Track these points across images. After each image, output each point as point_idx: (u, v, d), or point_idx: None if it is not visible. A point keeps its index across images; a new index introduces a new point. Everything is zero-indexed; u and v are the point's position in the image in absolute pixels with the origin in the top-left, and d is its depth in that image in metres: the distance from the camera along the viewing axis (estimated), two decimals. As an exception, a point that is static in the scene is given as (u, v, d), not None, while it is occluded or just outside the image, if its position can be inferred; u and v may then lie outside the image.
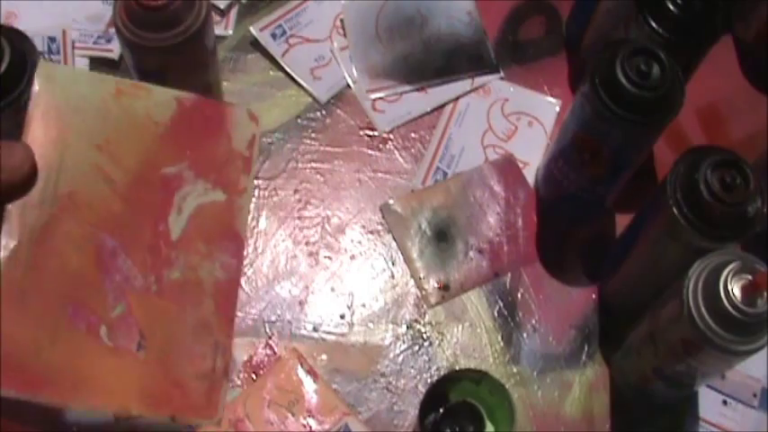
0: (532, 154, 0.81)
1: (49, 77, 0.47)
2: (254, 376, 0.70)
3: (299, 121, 0.81)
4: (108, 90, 0.48)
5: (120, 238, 0.47)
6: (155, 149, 0.48)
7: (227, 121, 0.51)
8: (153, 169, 0.48)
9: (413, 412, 0.70)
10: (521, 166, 0.81)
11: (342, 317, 0.74)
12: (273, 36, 0.84)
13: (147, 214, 0.48)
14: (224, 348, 0.48)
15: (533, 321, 0.75)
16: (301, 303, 0.74)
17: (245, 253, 0.53)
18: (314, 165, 0.80)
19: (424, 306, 0.75)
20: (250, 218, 0.76)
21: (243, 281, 0.74)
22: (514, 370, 0.73)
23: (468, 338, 0.74)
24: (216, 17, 0.84)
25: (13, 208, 0.44)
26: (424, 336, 0.74)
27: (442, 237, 0.77)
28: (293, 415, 0.68)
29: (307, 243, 0.76)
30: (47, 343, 0.44)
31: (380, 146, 0.81)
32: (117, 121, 0.48)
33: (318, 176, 0.79)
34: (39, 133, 0.46)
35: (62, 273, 0.45)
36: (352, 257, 0.76)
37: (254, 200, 0.77)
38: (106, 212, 0.47)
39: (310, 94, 0.82)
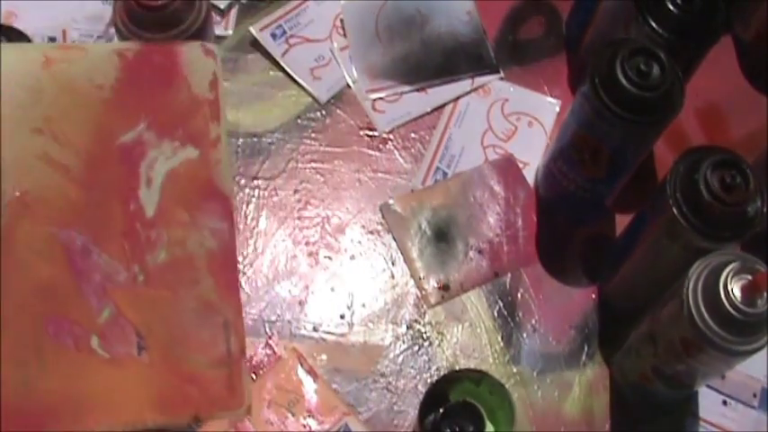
0: (532, 154, 0.81)
1: None
2: (253, 376, 0.70)
3: (299, 121, 0.81)
4: (35, 61, 0.41)
5: (88, 232, 0.40)
6: (105, 118, 0.41)
7: (181, 65, 0.44)
8: (107, 141, 0.41)
9: (413, 412, 0.70)
10: (521, 166, 0.81)
11: (342, 317, 0.74)
12: (273, 36, 0.84)
13: (113, 196, 0.41)
14: (235, 326, 0.42)
15: (533, 321, 0.75)
16: (301, 303, 0.74)
17: (235, 215, 0.45)
18: (314, 165, 0.80)
19: (424, 306, 0.75)
20: (250, 218, 0.76)
21: (243, 281, 0.74)
22: (514, 370, 0.73)
23: (467, 338, 0.74)
24: (216, 17, 0.84)
25: None
26: (424, 336, 0.74)
27: (442, 237, 0.77)
28: (293, 415, 0.68)
29: (307, 243, 0.76)
30: (34, 372, 0.38)
31: (380, 146, 0.81)
32: (53, 95, 0.40)
33: (318, 176, 0.79)
34: None
35: (31, 288, 0.39)
36: (352, 257, 0.76)
37: (253, 200, 0.77)
38: (65, 205, 0.40)
39: (310, 94, 0.82)
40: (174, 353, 0.41)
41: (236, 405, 0.42)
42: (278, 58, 0.83)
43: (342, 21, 0.85)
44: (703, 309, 0.58)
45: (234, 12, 0.86)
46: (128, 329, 0.41)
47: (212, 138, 0.44)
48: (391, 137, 0.81)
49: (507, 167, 0.80)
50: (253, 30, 0.84)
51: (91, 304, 0.40)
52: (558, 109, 0.84)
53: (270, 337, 0.72)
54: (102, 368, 0.40)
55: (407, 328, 0.74)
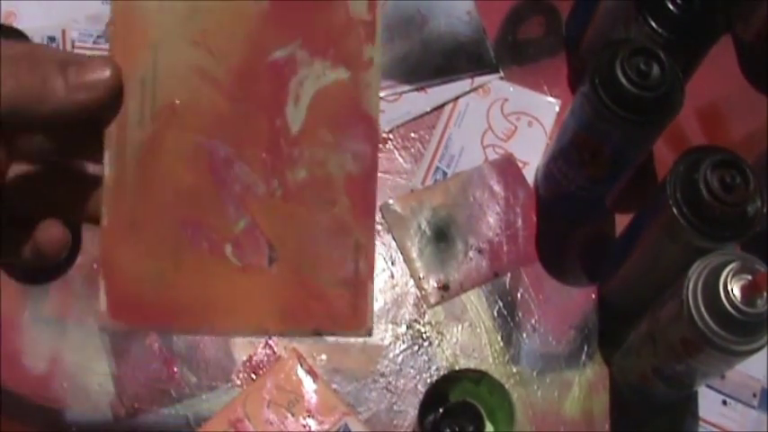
0: (532, 154, 0.81)
1: None
2: (253, 376, 0.70)
3: (298, 120, 0.81)
4: None
5: (233, 144, 0.41)
6: (259, 33, 0.41)
7: None
8: (260, 57, 0.41)
9: (412, 412, 0.70)
10: (520, 165, 0.81)
11: (341, 317, 0.74)
12: (273, 36, 0.84)
13: (260, 111, 0.41)
14: (366, 249, 0.42)
15: (533, 321, 0.75)
16: (301, 303, 0.74)
17: (379, 138, 0.44)
18: (314, 164, 0.80)
19: (424, 306, 0.75)
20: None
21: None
22: (514, 370, 0.73)
23: (467, 338, 0.74)
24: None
25: (109, 132, 0.40)
26: (424, 336, 0.74)
27: (442, 236, 0.77)
28: (293, 415, 0.68)
29: (306, 243, 0.76)
30: (171, 271, 0.40)
31: (380, 146, 0.81)
32: (210, 7, 0.41)
33: (318, 176, 0.79)
34: (122, 43, 0.40)
35: (175, 193, 0.41)
36: (352, 257, 0.76)
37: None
38: (214, 117, 0.41)
39: (310, 94, 0.82)
40: (302, 268, 0.42)
41: (357, 326, 0.42)
42: (278, 58, 0.83)
43: (342, 20, 0.85)
44: (703, 309, 0.58)
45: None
46: (261, 241, 0.41)
47: (365, 59, 0.43)
48: (391, 136, 0.81)
49: (507, 167, 0.80)
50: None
51: (228, 213, 0.41)
52: (557, 109, 0.84)
53: (270, 337, 0.72)
54: (232, 275, 0.41)
55: (407, 327, 0.74)
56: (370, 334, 0.43)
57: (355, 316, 0.42)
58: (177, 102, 0.40)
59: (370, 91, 0.43)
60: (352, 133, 0.43)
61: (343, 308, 0.42)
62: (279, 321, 0.41)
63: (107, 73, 0.38)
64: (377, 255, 0.76)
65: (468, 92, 0.84)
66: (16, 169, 0.40)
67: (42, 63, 0.37)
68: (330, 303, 0.42)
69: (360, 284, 0.42)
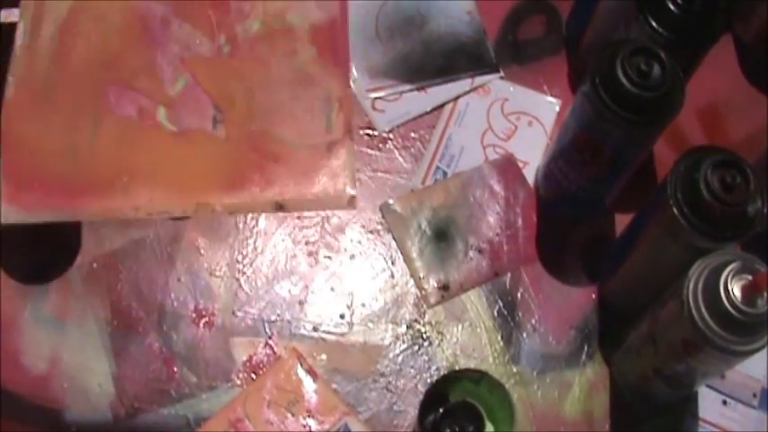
0: (532, 154, 0.81)
1: None
2: (253, 376, 0.70)
3: (298, 120, 0.81)
4: None
5: (171, 3, 0.36)
6: None
7: None
8: None
9: (413, 412, 0.70)
10: (520, 165, 0.81)
11: (341, 317, 0.74)
12: (273, 35, 0.84)
13: None
14: (340, 102, 0.35)
15: (533, 321, 0.75)
16: (301, 303, 0.74)
17: None
18: (314, 164, 0.80)
19: (424, 306, 0.75)
20: (250, 218, 0.76)
21: (242, 280, 0.74)
22: (514, 370, 0.73)
23: (467, 338, 0.74)
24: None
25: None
26: (424, 336, 0.74)
27: (442, 236, 0.77)
28: (293, 415, 0.68)
29: (306, 243, 0.76)
30: (86, 143, 0.35)
31: (380, 145, 0.81)
32: None
33: (318, 176, 0.79)
34: None
35: (98, 55, 0.35)
36: (352, 257, 0.76)
37: (253, 199, 0.77)
38: None
39: (310, 94, 0.82)
40: (257, 128, 0.36)
41: (333, 191, 0.35)
42: (278, 58, 0.83)
43: (342, 20, 0.85)
44: (703, 309, 0.58)
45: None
46: (203, 102, 0.36)
47: None
48: (391, 136, 0.81)
49: (507, 167, 0.80)
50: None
51: (163, 76, 0.36)
52: (557, 108, 0.84)
53: (270, 337, 0.72)
54: (166, 141, 0.35)
55: (407, 327, 0.74)
56: (353, 205, 0.36)
57: (331, 179, 0.35)
58: None
59: None
60: None
61: (314, 170, 0.35)
62: (225, 193, 0.35)
63: None
64: (376, 255, 0.76)
65: (469, 91, 0.84)
66: None
67: None
68: (295, 166, 0.35)
69: (334, 142, 0.35)
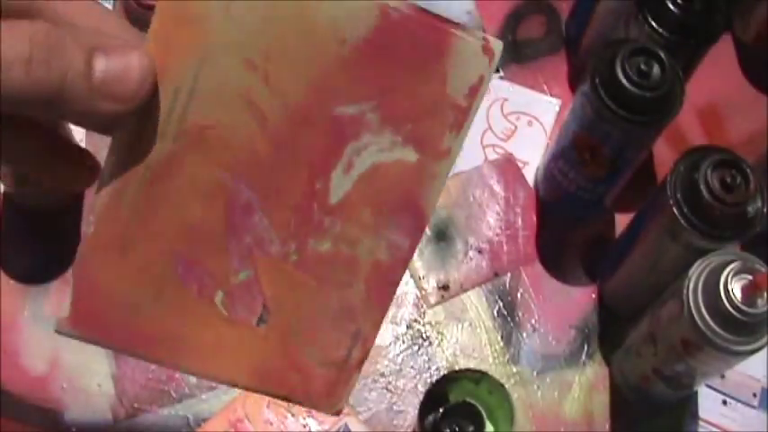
0: (532, 154, 0.81)
1: None
2: (253, 376, 0.70)
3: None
4: None
5: (259, 192, 0.36)
6: (331, 79, 0.34)
7: (448, 53, 0.35)
8: (323, 105, 0.35)
9: (412, 412, 0.70)
10: (520, 165, 0.81)
11: (341, 317, 0.74)
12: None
13: (302, 166, 0.35)
14: (365, 338, 0.38)
15: (533, 321, 0.75)
16: (301, 303, 0.74)
17: (421, 236, 0.40)
18: (313, 164, 0.80)
19: (424, 306, 0.74)
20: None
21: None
22: (514, 370, 0.73)
23: (467, 338, 0.74)
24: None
25: (123, 137, 0.34)
26: (424, 335, 0.74)
27: (442, 236, 0.77)
28: (293, 415, 0.68)
29: (306, 243, 0.76)
30: (148, 301, 0.36)
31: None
32: (285, 27, 0.33)
33: (318, 176, 0.79)
34: (164, 40, 0.33)
35: (177, 223, 0.36)
36: (352, 257, 0.76)
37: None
38: (247, 157, 0.35)
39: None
40: (292, 339, 0.38)
41: (329, 405, 0.39)
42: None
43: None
44: (703, 309, 0.58)
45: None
46: (257, 299, 0.37)
47: (442, 148, 0.37)
48: (391, 136, 0.81)
49: (507, 167, 0.80)
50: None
51: (231, 262, 0.37)
52: (557, 108, 0.84)
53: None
54: (215, 322, 0.37)
55: (407, 327, 0.74)
56: (338, 414, 0.40)
57: (329, 397, 0.39)
58: (210, 126, 0.34)
59: (434, 184, 0.39)
60: (397, 223, 0.38)
61: (320, 387, 0.39)
62: (250, 379, 0.38)
63: (145, 81, 0.31)
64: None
65: (468, 92, 0.84)
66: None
67: (66, 50, 0.29)
68: (309, 379, 0.39)
69: (346, 371, 0.39)
